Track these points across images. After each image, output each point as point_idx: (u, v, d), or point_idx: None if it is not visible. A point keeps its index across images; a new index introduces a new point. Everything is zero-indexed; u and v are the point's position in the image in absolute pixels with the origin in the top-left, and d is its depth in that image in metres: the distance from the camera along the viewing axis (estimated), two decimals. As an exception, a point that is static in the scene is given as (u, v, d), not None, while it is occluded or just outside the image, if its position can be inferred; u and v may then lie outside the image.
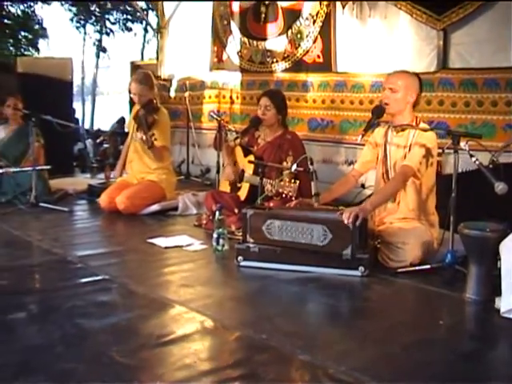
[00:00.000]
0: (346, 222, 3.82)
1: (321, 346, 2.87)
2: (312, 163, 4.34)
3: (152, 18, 19.76)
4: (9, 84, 9.30)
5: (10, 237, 5.02)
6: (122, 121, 6.50)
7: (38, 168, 6.29)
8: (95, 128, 17.59)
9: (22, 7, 21.00)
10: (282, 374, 2.62)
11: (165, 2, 9.28)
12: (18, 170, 6.62)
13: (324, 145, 6.66)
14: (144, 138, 5.76)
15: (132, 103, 9.21)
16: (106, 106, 30.83)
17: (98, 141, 6.50)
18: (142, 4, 19.83)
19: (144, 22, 24.96)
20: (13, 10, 20.57)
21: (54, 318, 3.14)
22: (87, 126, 21.68)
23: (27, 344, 2.81)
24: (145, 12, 16.24)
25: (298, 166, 4.47)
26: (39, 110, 6.40)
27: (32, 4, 21.26)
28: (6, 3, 19.64)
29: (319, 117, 6.78)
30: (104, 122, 21.43)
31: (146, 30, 25.83)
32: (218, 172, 5.92)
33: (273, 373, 2.58)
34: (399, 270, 3.96)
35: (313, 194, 4.29)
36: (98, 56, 26.45)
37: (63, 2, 22.94)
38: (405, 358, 2.78)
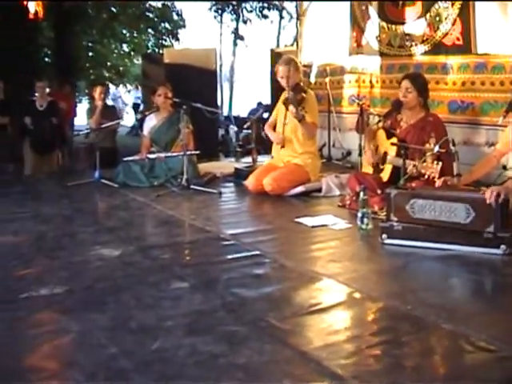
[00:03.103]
0: (488, 200, 3.93)
1: (463, 317, 3.01)
2: (454, 144, 4.45)
3: (288, 4, 20.08)
4: (158, 74, 9.89)
5: (166, 216, 5.43)
6: (266, 107, 6.78)
7: (188, 153, 6.68)
8: (234, 114, 18.09)
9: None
10: (425, 341, 2.80)
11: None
12: (169, 154, 7.08)
13: (464, 127, 6.66)
14: (294, 111, 6.01)
15: (274, 90, 9.56)
16: (243, 92, 31.40)
17: (245, 126, 6.81)
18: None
19: (279, 10, 25.38)
20: (153, 3, 21.49)
21: (214, 288, 3.47)
22: (225, 112, 22.28)
23: (192, 309, 3.15)
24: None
25: (440, 147, 4.59)
26: (186, 98, 6.82)
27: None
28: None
29: (459, 99, 6.78)
30: (242, 109, 22.00)
31: (281, 17, 26.18)
32: (360, 155, 6.08)
33: (417, 340, 2.77)
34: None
35: (454, 174, 4.40)
36: (235, 44, 27.07)
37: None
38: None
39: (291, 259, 4.02)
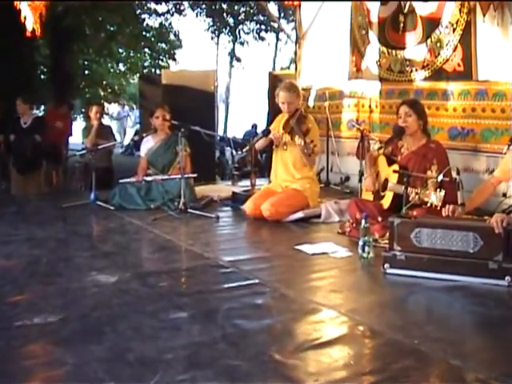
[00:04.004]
0: (496, 230, 3.87)
1: (471, 352, 2.94)
2: (459, 173, 4.39)
3: (285, 26, 20.16)
4: (155, 95, 9.86)
5: (163, 241, 5.34)
6: (265, 131, 6.72)
7: (186, 176, 6.61)
8: (230, 136, 18.06)
9: (159, 20, 21.98)
10: (433, 377, 2.72)
11: (303, 14, 9.51)
12: (167, 177, 7.01)
13: (465, 153, 6.61)
14: (303, 144, 5.95)
15: (271, 112, 9.53)
16: (238, 114, 31.47)
17: (244, 150, 6.75)
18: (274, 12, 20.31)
19: (276, 32, 25.51)
20: (150, 22, 21.55)
21: (214, 318, 3.36)
22: (220, 133, 22.29)
23: (192, 341, 3.05)
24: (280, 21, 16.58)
25: (444, 175, 4.53)
26: (184, 120, 6.77)
27: (168, 17, 22.18)
28: (144, 16, 20.59)
29: (460, 125, 6.74)
30: (236, 130, 22.02)
31: (277, 39, 26.33)
32: (360, 181, 6.02)
33: (425, 376, 2.69)
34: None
35: (459, 203, 4.33)
36: (231, 65, 27.17)
37: (198, 14, 23.78)
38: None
39: (292, 288, 3.93)
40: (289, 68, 26.73)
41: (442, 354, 2.88)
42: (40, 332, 3.18)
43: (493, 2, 6.18)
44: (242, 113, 31.79)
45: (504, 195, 5.60)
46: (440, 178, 4.46)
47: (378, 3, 7.87)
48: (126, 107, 23.32)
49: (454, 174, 4.48)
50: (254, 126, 20.67)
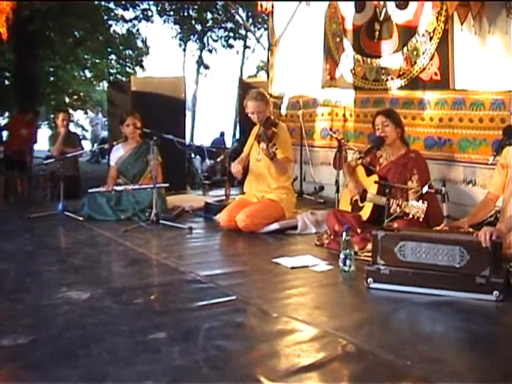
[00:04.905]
0: (483, 244, 3.76)
1: (466, 372, 2.82)
2: (444, 185, 4.28)
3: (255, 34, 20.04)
4: (124, 102, 9.65)
5: (136, 254, 5.13)
6: (241, 140, 6.57)
7: (158, 185, 6.42)
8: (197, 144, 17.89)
9: (126, 26, 21.72)
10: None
11: (275, 20, 9.39)
12: (137, 187, 6.81)
13: (441, 163, 6.52)
14: (265, 147, 5.78)
15: (241, 120, 9.38)
16: (205, 121, 31.36)
17: (218, 159, 6.59)
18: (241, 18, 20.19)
19: (244, 39, 25.43)
20: (117, 29, 21.29)
21: (195, 339, 3.16)
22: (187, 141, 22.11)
23: (173, 364, 2.84)
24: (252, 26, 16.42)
25: (428, 187, 4.42)
26: (154, 128, 6.59)
27: (136, 23, 21.94)
28: (111, 22, 20.34)
29: (436, 135, 6.65)
30: (203, 138, 21.85)
31: (245, 47, 26.26)
32: (337, 191, 5.88)
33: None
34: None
35: (444, 215, 4.22)
36: (198, 72, 27.01)
37: (166, 20, 23.58)
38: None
39: (273, 305, 3.76)
40: (256, 76, 26.72)
41: (438, 375, 2.73)
42: (9, 355, 2.95)
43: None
44: (208, 120, 31.70)
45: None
46: (425, 189, 4.34)
47: (353, 11, 7.76)
48: (100, 114, 22.99)
49: (439, 186, 4.36)
50: (222, 134, 20.55)
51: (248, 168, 6.35)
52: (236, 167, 6.13)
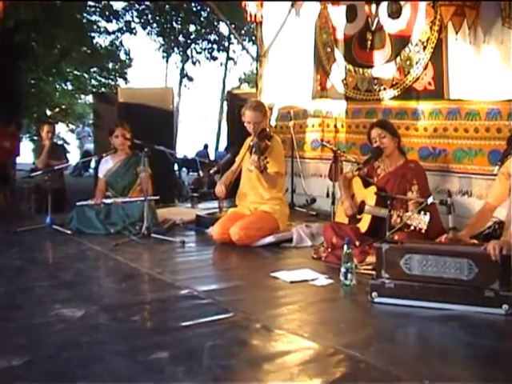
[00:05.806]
0: (493, 256, 3.65)
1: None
2: (450, 195, 4.18)
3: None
4: (111, 114, 9.50)
5: (129, 269, 4.97)
6: (233, 151, 6.44)
7: (148, 198, 6.27)
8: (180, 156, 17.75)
9: (109, 38, 21.57)
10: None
11: (264, 31, 9.29)
12: (127, 199, 6.65)
13: (436, 174, 6.42)
14: (256, 159, 5.64)
15: (230, 131, 9.25)
16: (187, 133, 31.19)
17: (211, 171, 6.46)
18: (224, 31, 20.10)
19: (227, 51, 25.37)
20: (100, 41, 21.13)
21: (199, 358, 3.00)
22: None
23: (179, 387, 2.70)
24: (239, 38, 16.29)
25: (428, 197, 4.32)
26: (142, 139, 6.45)
27: (119, 35, 21.80)
28: (94, 34, 20.17)
29: (431, 145, 6.57)
30: (187, 150, 21.67)
31: (227, 59, 26.19)
32: (333, 203, 5.76)
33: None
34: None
35: (450, 227, 4.11)
36: (180, 84, 26.87)
37: (149, 33, 23.48)
38: None
39: (276, 322, 3.61)
40: (239, 88, 26.61)
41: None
42: (3, 378, 2.77)
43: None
44: (190, 133, 31.55)
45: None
46: (430, 200, 4.22)
47: (344, 21, 7.68)
48: (86, 127, 22.78)
49: (444, 197, 4.24)
50: (206, 147, 20.44)
51: (237, 180, 6.23)
52: (219, 188, 6.03)
